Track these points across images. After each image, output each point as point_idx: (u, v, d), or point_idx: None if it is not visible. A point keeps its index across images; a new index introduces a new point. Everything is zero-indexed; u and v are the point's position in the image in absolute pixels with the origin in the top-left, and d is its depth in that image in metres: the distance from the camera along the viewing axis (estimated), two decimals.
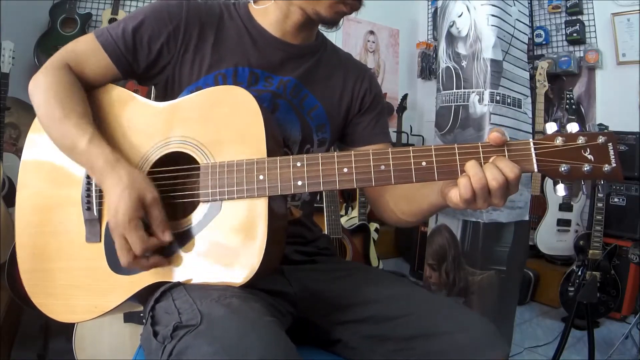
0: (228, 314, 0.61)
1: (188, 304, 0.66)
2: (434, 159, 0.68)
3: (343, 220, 2.48)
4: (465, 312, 0.83)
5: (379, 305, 0.82)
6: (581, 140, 0.65)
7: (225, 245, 0.72)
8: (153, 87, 0.93)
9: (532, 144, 0.66)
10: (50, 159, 0.85)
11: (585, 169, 0.65)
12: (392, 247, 3.37)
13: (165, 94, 0.88)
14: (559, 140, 0.66)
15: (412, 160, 0.68)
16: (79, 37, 0.88)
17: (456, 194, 0.68)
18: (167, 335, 0.62)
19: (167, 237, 0.72)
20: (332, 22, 0.88)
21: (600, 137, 0.65)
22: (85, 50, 0.84)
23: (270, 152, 0.73)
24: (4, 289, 1.53)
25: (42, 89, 0.79)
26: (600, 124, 2.04)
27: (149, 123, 0.81)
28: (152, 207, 0.71)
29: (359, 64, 1.04)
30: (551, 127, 0.67)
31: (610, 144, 0.65)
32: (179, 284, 0.73)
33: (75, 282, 0.79)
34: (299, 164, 0.71)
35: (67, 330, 1.48)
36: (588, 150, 0.65)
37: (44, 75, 0.80)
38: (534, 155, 0.66)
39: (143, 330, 0.71)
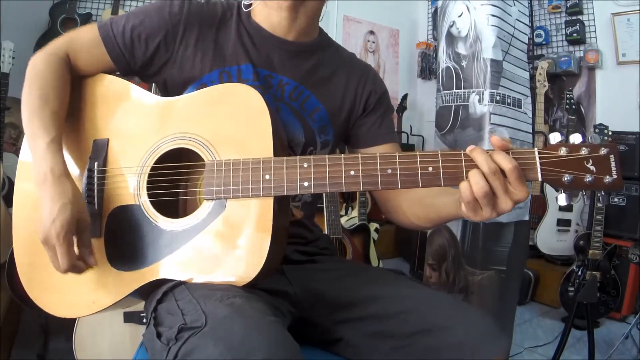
0: (232, 314, 0.61)
1: (192, 304, 0.66)
2: (440, 165, 0.67)
3: (343, 220, 2.48)
4: (465, 308, 0.83)
5: (380, 303, 0.82)
6: (584, 151, 0.66)
7: (229, 245, 0.72)
8: (154, 85, 0.93)
9: (536, 153, 0.67)
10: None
11: (587, 179, 0.66)
12: (392, 247, 3.37)
13: (167, 92, 0.88)
14: (562, 151, 0.66)
15: (418, 165, 0.68)
16: (83, 26, 0.90)
17: (463, 204, 0.68)
18: (172, 337, 0.62)
19: (92, 261, 0.75)
20: None
21: (603, 148, 0.66)
22: (86, 41, 0.85)
23: (276, 152, 0.73)
24: (4, 289, 1.53)
25: (34, 73, 0.81)
26: (600, 124, 2.04)
27: (155, 118, 0.81)
28: (84, 231, 0.74)
29: (362, 63, 1.02)
30: (555, 137, 0.68)
31: (612, 155, 0.66)
32: (180, 283, 0.73)
33: (74, 277, 0.78)
34: (305, 165, 0.71)
35: (67, 330, 1.48)
36: (590, 161, 0.66)
37: (41, 60, 0.82)
38: (538, 164, 0.66)
39: (146, 330, 0.71)
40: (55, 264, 0.72)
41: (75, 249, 0.73)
